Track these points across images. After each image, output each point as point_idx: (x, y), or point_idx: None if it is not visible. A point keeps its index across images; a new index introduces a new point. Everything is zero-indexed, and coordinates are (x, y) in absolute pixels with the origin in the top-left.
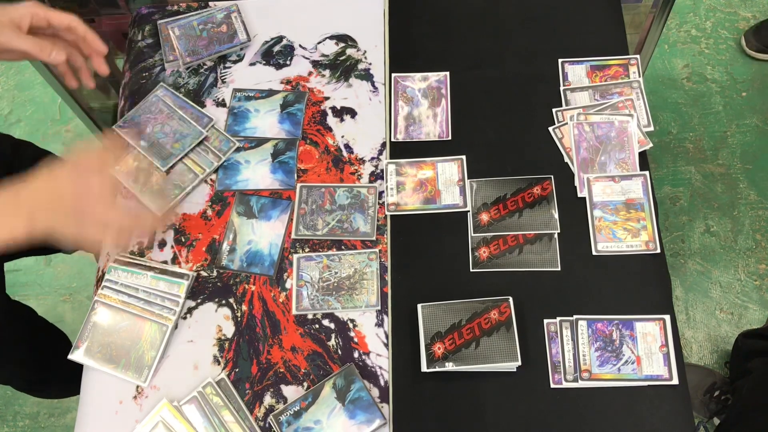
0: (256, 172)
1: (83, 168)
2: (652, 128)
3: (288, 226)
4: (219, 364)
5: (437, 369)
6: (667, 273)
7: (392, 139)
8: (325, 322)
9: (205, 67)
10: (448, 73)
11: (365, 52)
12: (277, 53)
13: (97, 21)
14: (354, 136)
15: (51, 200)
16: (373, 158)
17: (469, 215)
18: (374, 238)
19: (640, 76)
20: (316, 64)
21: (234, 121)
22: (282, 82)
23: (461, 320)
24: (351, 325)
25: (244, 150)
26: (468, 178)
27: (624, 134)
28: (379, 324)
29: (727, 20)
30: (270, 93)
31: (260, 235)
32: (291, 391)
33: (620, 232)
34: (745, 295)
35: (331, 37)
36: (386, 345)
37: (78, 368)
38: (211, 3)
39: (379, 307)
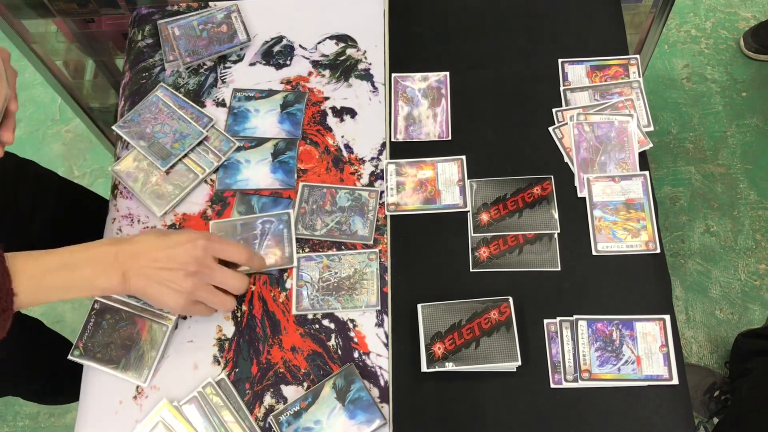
0: (257, 172)
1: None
2: (652, 128)
3: None
4: (219, 364)
5: (437, 369)
6: (667, 273)
7: (392, 139)
8: (325, 322)
9: (205, 67)
10: (448, 73)
11: (365, 52)
12: (277, 53)
13: (97, 21)
14: (354, 136)
15: (146, 264)
16: (373, 158)
17: (469, 215)
18: (371, 243)
19: (640, 76)
20: (316, 64)
21: (234, 121)
22: (282, 82)
23: (461, 320)
24: (351, 325)
25: (244, 149)
26: (468, 178)
27: (624, 134)
28: (379, 324)
29: (727, 20)
30: (270, 93)
31: None
32: (291, 391)
33: (620, 232)
34: (745, 295)
35: (331, 37)
36: (386, 345)
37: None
38: (211, 3)
39: (379, 307)
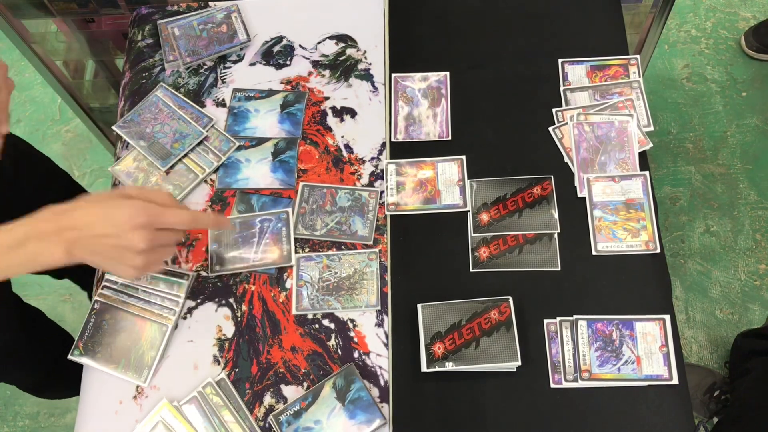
0: (257, 171)
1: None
2: (652, 128)
3: None
4: (219, 364)
5: (437, 369)
6: (667, 273)
7: (392, 139)
8: (325, 322)
9: (205, 67)
10: (448, 73)
11: (365, 52)
12: (277, 53)
13: (97, 21)
14: (354, 136)
15: (86, 239)
16: (373, 158)
17: (469, 215)
18: (371, 243)
19: (640, 76)
20: (316, 64)
21: (234, 121)
22: (282, 82)
23: (461, 320)
24: (351, 325)
25: (244, 148)
26: (468, 178)
27: (624, 134)
28: (379, 324)
29: (727, 20)
30: (270, 93)
31: None
32: (291, 391)
33: (620, 232)
34: (745, 295)
35: (331, 37)
36: (386, 345)
37: (81, 369)
38: (211, 3)
39: (379, 307)
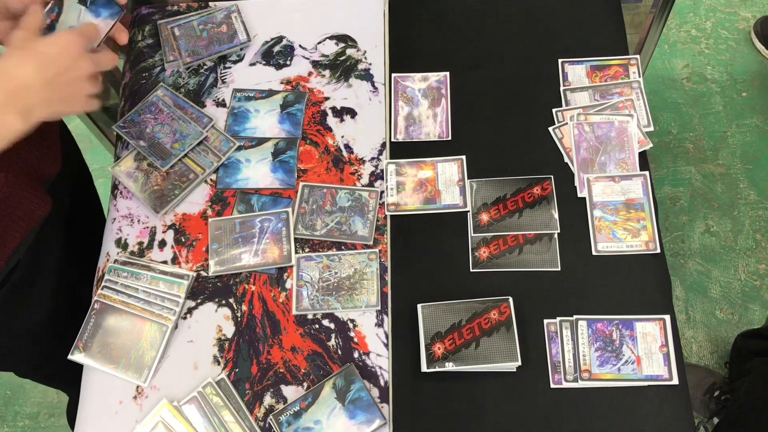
0: (257, 171)
1: (68, 48)
2: (652, 128)
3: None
4: (219, 364)
5: (437, 369)
6: (667, 273)
7: (392, 139)
8: (325, 322)
9: (205, 67)
10: (448, 73)
11: (365, 52)
12: (277, 53)
13: None
14: (354, 136)
15: (44, 95)
16: (373, 158)
17: (469, 215)
18: (371, 243)
19: (640, 76)
20: (316, 64)
21: (234, 122)
22: (282, 83)
23: (461, 320)
24: (351, 325)
25: (244, 148)
26: (468, 178)
27: (624, 134)
28: (379, 324)
29: (727, 20)
30: (270, 93)
31: None
32: (291, 391)
33: (620, 232)
34: (745, 295)
35: (331, 37)
36: (386, 345)
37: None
38: (211, 3)
39: (379, 307)
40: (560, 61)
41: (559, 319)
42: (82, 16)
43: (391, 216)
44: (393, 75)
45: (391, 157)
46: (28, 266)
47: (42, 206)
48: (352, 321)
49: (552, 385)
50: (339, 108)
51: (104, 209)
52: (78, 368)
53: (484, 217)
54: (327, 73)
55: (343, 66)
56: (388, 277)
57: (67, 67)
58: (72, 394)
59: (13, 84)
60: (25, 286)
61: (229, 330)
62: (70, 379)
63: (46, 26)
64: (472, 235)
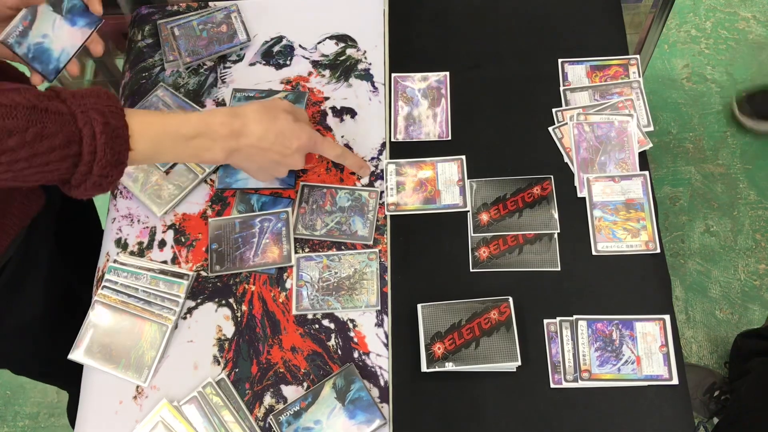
0: None
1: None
2: (652, 128)
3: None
4: (219, 364)
5: (437, 369)
6: (667, 273)
7: (392, 139)
8: (325, 322)
9: (205, 67)
10: (448, 73)
11: (365, 52)
12: (277, 53)
13: None
14: (354, 136)
15: (251, 150)
16: (373, 158)
17: (469, 215)
18: (371, 243)
19: (640, 76)
20: (316, 64)
21: None
22: (282, 82)
23: (461, 320)
24: (351, 325)
25: None
26: (468, 178)
27: (624, 134)
28: (379, 324)
29: (727, 20)
30: (270, 93)
31: (57, 37)
32: (291, 391)
33: (620, 232)
34: (744, 295)
35: (331, 37)
36: (386, 345)
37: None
38: (211, 3)
39: (379, 307)
40: (560, 61)
41: (559, 319)
42: (57, 25)
43: (391, 216)
44: (393, 75)
45: (391, 157)
46: (18, 262)
47: (35, 201)
48: (352, 321)
49: (552, 385)
50: (339, 108)
51: (102, 208)
52: (75, 366)
53: (484, 217)
54: (327, 73)
55: (343, 66)
56: (388, 277)
57: (285, 150)
58: (70, 391)
59: (237, 126)
60: (17, 282)
61: (229, 330)
62: (68, 378)
63: (18, 33)
64: (472, 235)
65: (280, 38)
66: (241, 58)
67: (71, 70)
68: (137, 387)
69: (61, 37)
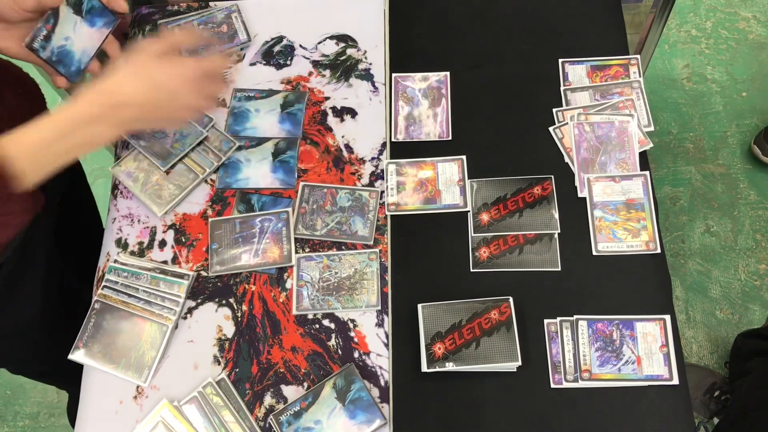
0: (257, 171)
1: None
2: (652, 128)
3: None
4: (219, 364)
5: (437, 369)
6: (667, 273)
7: (392, 139)
8: (326, 322)
9: None
10: (448, 73)
11: (365, 52)
12: (277, 53)
13: None
14: (354, 136)
15: (142, 113)
16: (373, 158)
17: (470, 215)
18: (371, 243)
19: (640, 76)
20: (316, 64)
21: (234, 121)
22: (282, 82)
23: (461, 320)
24: (351, 325)
25: (245, 148)
26: (468, 178)
27: (624, 134)
28: (379, 324)
29: (727, 20)
30: (270, 93)
31: (78, 38)
32: (291, 391)
33: (620, 232)
34: (745, 295)
35: (332, 37)
36: (386, 345)
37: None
38: (211, 3)
39: (379, 307)
40: (560, 61)
41: (559, 319)
42: (78, 26)
43: (392, 216)
44: (393, 75)
45: (391, 157)
46: (16, 262)
47: (34, 202)
48: (353, 321)
49: (552, 385)
50: (339, 108)
51: (103, 208)
52: (75, 366)
53: (485, 217)
54: (327, 72)
55: (343, 66)
56: (389, 277)
57: (172, 94)
58: (70, 391)
59: (113, 100)
60: (13, 282)
61: (230, 330)
62: (68, 378)
63: (42, 37)
64: (473, 235)
65: (280, 38)
66: (241, 58)
67: (92, 69)
68: (137, 387)
69: (82, 38)
